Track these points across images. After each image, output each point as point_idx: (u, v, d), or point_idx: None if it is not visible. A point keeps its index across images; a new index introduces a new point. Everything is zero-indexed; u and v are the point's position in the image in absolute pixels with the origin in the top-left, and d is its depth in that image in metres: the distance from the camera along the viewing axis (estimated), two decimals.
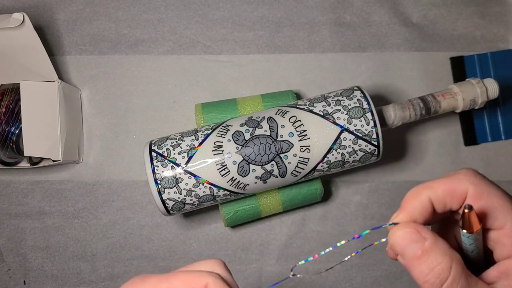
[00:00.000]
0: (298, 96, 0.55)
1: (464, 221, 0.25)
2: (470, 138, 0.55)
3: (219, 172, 0.42)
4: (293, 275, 0.29)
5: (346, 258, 0.29)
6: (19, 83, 0.49)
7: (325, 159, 0.43)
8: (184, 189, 0.42)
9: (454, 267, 0.25)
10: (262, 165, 0.42)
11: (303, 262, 0.28)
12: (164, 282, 0.25)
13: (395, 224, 0.27)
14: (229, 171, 0.42)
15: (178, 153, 0.42)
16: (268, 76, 0.55)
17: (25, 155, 0.49)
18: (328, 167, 0.44)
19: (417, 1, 0.56)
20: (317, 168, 0.44)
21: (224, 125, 0.44)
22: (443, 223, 0.31)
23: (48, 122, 0.49)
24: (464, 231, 0.26)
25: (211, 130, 0.44)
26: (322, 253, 0.28)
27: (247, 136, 0.42)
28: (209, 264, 0.27)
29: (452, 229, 0.30)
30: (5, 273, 0.54)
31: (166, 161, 0.42)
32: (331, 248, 0.28)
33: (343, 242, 0.27)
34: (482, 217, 0.26)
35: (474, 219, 0.25)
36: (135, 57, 0.56)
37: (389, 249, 0.27)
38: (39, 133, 0.49)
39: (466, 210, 0.25)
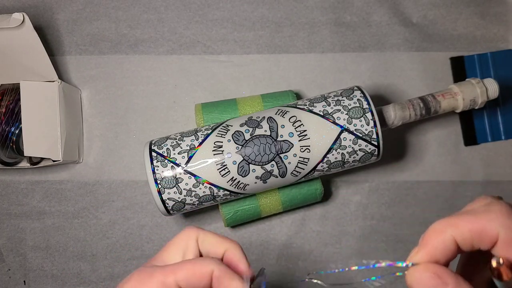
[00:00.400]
0: (298, 96, 0.55)
1: (493, 271, 0.24)
2: (470, 138, 0.55)
3: (219, 172, 0.42)
4: (309, 279, 0.28)
5: (364, 280, 0.27)
6: (19, 83, 0.49)
7: (325, 159, 0.43)
8: (184, 189, 0.42)
9: None
10: (262, 165, 0.42)
11: (322, 272, 0.27)
12: (170, 275, 0.25)
13: (413, 264, 0.24)
14: (229, 171, 0.42)
15: (178, 153, 0.42)
16: (268, 76, 0.55)
17: (25, 155, 0.49)
18: (328, 167, 0.44)
19: (417, 1, 0.56)
20: (317, 168, 0.44)
21: (224, 125, 0.44)
22: (471, 254, 0.28)
23: (48, 122, 0.49)
24: (495, 280, 0.24)
25: (211, 130, 0.44)
26: (341, 270, 0.27)
27: (247, 136, 0.42)
28: (225, 244, 0.27)
29: (481, 263, 0.27)
30: (5, 273, 0.54)
31: (166, 161, 0.42)
32: (356, 268, 0.27)
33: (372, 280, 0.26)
34: None
35: (505, 270, 0.23)
36: (135, 57, 0.56)
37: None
38: (39, 133, 0.49)
39: (494, 265, 0.23)
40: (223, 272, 0.25)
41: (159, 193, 0.42)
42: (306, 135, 0.42)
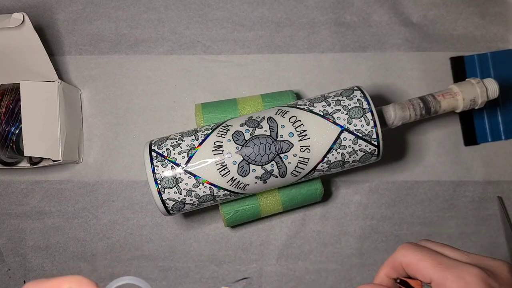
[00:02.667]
0: (298, 96, 0.55)
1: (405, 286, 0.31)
2: (470, 138, 0.55)
3: (219, 172, 0.42)
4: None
5: None
6: (19, 83, 0.49)
7: (325, 159, 0.43)
8: (184, 189, 0.42)
9: None
10: (262, 165, 0.42)
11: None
12: None
13: None
14: (229, 171, 0.42)
15: (178, 153, 0.42)
16: (268, 76, 0.55)
17: (25, 155, 0.49)
18: (328, 167, 0.44)
19: (417, 1, 0.56)
20: (317, 168, 0.44)
21: (224, 125, 0.44)
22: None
23: (48, 122, 0.49)
24: None
25: (211, 130, 0.44)
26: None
27: (247, 136, 0.42)
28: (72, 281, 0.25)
29: None
30: (5, 273, 0.54)
31: (166, 161, 0.42)
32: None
33: None
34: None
35: (412, 282, 0.31)
36: (135, 57, 0.56)
37: None
38: (39, 133, 0.49)
39: (397, 282, 0.32)
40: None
41: (159, 193, 0.42)
42: (306, 135, 0.42)
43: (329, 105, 0.44)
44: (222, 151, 0.42)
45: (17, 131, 0.50)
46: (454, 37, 0.56)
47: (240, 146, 0.42)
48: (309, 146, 0.42)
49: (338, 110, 0.43)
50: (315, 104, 0.44)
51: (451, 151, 0.55)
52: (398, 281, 0.32)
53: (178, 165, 0.42)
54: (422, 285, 0.31)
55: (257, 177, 0.43)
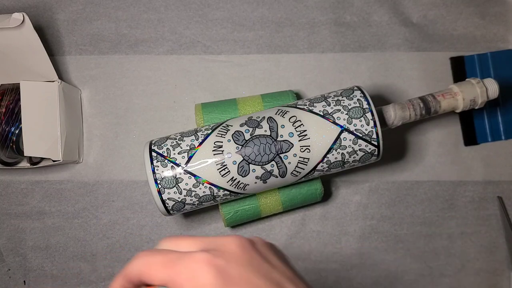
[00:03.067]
0: (298, 96, 0.55)
1: None
2: (470, 138, 0.55)
3: (219, 172, 0.42)
4: None
5: None
6: (19, 83, 0.49)
7: (325, 159, 0.43)
8: (184, 189, 0.42)
9: None
10: (262, 165, 0.42)
11: None
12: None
13: None
14: (229, 171, 0.42)
15: (178, 153, 0.42)
16: (268, 76, 0.55)
17: (25, 155, 0.49)
18: (328, 167, 0.44)
19: (417, 1, 0.56)
20: (317, 168, 0.44)
21: (224, 125, 0.44)
22: None
23: (48, 122, 0.49)
24: None
25: (211, 130, 0.44)
26: None
27: (247, 136, 0.42)
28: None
29: None
30: (5, 273, 0.54)
31: (166, 161, 0.42)
32: None
33: None
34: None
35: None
36: (135, 57, 0.56)
37: None
38: (39, 133, 0.49)
39: None
40: None
41: (159, 193, 0.42)
42: (306, 135, 0.42)
43: (329, 105, 0.44)
44: (222, 151, 0.42)
45: (17, 131, 0.50)
46: (454, 37, 0.56)
47: (240, 146, 0.42)
48: (309, 146, 0.42)
49: (338, 110, 0.43)
50: (315, 104, 0.44)
51: (451, 151, 0.55)
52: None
53: (178, 165, 0.42)
54: None
55: (257, 177, 0.43)
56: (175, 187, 0.42)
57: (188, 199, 0.43)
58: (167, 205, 0.43)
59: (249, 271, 0.26)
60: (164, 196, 0.42)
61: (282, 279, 0.27)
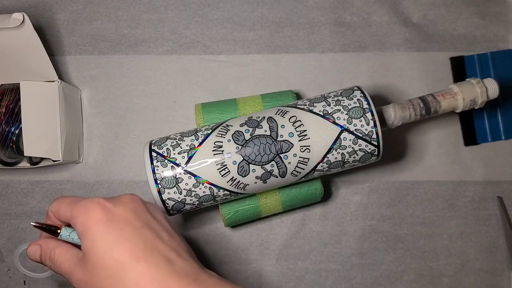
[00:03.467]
0: (298, 96, 0.55)
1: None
2: (470, 138, 0.55)
3: (219, 172, 0.42)
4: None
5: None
6: (19, 83, 0.49)
7: (325, 159, 0.43)
8: (184, 189, 0.42)
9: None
10: (262, 165, 0.42)
11: None
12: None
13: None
14: (229, 171, 0.42)
15: (178, 153, 0.42)
16: (268, 76, 0.55)
17: (25, 155, 0.49)
18: (328, 167, 0.44)
19: (417, 1, 0.56)
20: (317, 168, 0.44)
21: (224, 125, 0.44)
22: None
23: (48, 122, 0.49)
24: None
25: (211, 130, 0.44)
26: None
27: (247, 136, 0.42)
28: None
29: None
30: (5, 273, 0.54)
31: (166, 161, 0.42)
32: None
33: None
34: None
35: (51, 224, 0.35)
36: (135, 57, 0.56)
37: None
38: (39, 133, 0.49)
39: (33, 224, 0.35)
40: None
41: (159, 193, 0.42)
42: (306, 135, 0.42)
43: (329, 105, 0.44)
44: (222, 151, 0.42)
45: (17, 131, 0.50)
46: (454, 37, 0.56)
47: (240, 146, 0.42)
48: (309, 146, 0.42)
49: (338, 110, 0.43)
50: (315, 104, 0.44)
51: (451, 151, 0.55)
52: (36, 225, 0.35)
53: (178, 165, 0.42)
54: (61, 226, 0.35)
55: (257, 177, 0.43)
56: (175, 187, 0.42)
57: (188, 199, 0.43)
58: (167, 205, 0.43)
59: (131, 215, 0.33)
60: (164, 196, 0.42)
61: (159, 228, 0.33)
